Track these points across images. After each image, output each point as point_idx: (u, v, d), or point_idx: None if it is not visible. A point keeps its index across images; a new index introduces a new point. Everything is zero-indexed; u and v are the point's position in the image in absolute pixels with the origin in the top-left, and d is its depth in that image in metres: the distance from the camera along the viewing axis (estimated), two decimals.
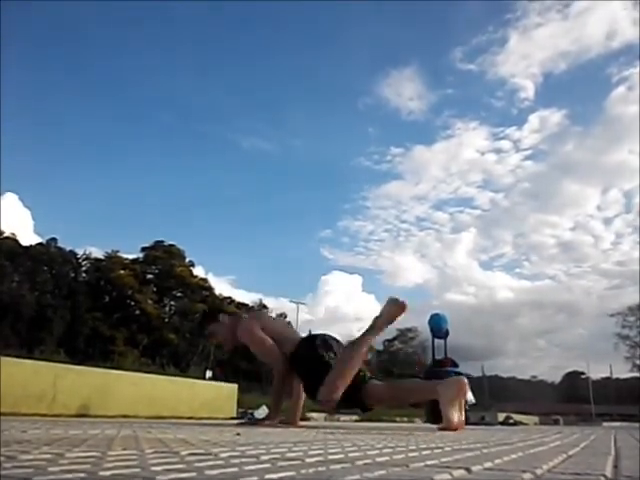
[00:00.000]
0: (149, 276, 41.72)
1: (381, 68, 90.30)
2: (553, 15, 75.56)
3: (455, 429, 3.20)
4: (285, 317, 46.00)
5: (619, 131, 76.23)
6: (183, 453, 1.03)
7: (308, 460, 0.94)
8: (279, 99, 75.75)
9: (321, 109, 79.40)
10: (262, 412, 12.59)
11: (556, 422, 24.74)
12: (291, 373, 3.70)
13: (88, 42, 59.90)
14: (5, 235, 36.85)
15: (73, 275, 39.64)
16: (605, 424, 20.31)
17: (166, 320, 40.19)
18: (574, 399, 53.30)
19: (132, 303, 39.47)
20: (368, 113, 74.85)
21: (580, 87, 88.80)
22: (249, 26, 68.98)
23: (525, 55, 78.31)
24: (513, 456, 1.18)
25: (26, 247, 37.28)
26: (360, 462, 0.93)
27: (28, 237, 40.67)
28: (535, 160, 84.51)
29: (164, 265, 41.09)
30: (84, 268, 41.06)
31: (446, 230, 76.85)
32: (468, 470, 0.85)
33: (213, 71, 70.03)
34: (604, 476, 0.83)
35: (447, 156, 78.63)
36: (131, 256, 41.47)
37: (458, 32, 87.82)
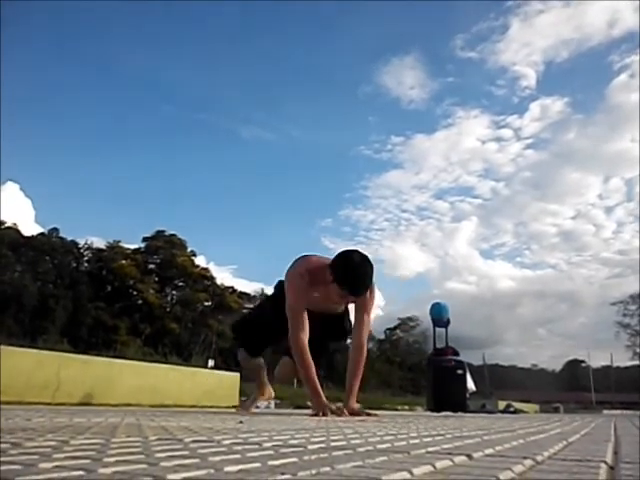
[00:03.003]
0: (151, 266, 41.82)
1: (381, 56, 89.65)
2: (554, 2, 75.08)
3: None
4: None
5: (621, 119, 76.05)
6: (186, 440, 1.04)
7: (310, 447, 0.95)
8: (279, 88, 75.46)
9: (321, 98, 79.05)
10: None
11: (556, 410, 24.85)
12: None
13: (88, 32, 59.59)
14: (7, 225, 36.89)
15: (75, 265, 39.74)
16: (605, 412, 20.42)
17: (168, 310, 40.35)
18: (575, 387, 53.53)
19: (134, 293, 39.60)
20: (368, 102, 74.58)
21: (582, 75, 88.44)
22: (248, 13, 68.54)
23: (526, 43, 77.92)
24: (514, 443, 1.18)
25: (28, 237, 37.34)
26: (362, 449, 0.94)
27: (30, 227, 40.76)
28: (536, 149, 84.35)
29: (166, 255, 41.16)
30: (86, 258, 41.16)
31: (447, 219, 76.85)
32: (469, 456, 0.86)
33: (213, 60, 69.68)
34: (605, 462, 0.84)
35: (448, 145, 78.38)
36: (133, 246, 41.60)
37: (458, 20, 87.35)
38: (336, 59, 79.17)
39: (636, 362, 50.98)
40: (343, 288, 2.98)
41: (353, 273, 2.99)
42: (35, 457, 0.71)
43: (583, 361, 60.09)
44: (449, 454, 0.87)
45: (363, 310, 3.32)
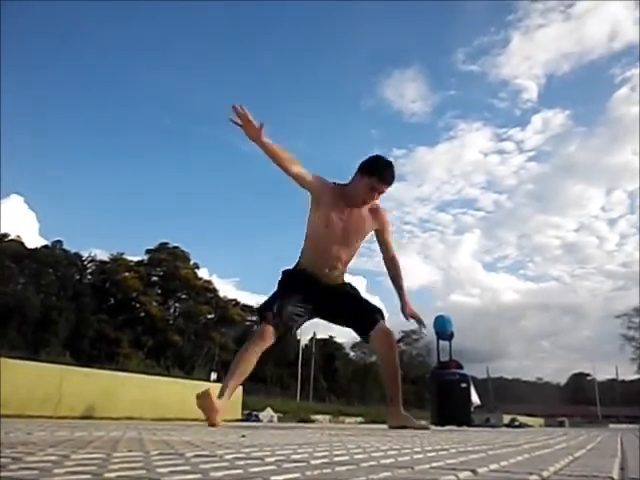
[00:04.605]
0: (154, 278, 41.80)
1: (383, 69, 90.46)
2: (555, 16, 75.71)
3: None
4: None
5: (622, 132, 76.30)
6: (188, 455, 1.03)
7: (313, 462, 0.94)
8: (281, 100, 75.79)
9: (323, 110, 79.43)
10: (267, 414, 12.60)
11: (562, 424, 24.58)
12: None
13: (88, 43, 60.24)
14: (10, 237, 37.01)
15: (78, 277, 39.76)
16: (612, 426, 20.21)
17: (171, 322, 40.27)
18: (580, 401, 53.05)
19: (137, 305, 39.55)
20: (370, 114, 74.90)
21: (583, 88, 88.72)
22: (250, 25, 69.25)
23: (527, 56, 78.38)
24: (519, 458, 1.17)
25: (31, 249, 37.42)
26: (365, 464, 0.93)
27: (33, 239, 40.86)
28: (539, 161, 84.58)
29: (169, 267, 41.16)
30: (89, 270, 41.20)
31: (450, 232, 76.85)
32: (474, 472, 0.85)
33: (214, 73, 70.19)
34: (611, 478, 0.83)
35: (450, 157, 78.74)
36: (136, 258, 41.60)
37: (460, 33, 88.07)
38: (339, 72, 79.67)
39: None
40: (373, 176, 3.21)
41: (384, 161, 3.34)
42: (35, 472, 0.70)
43: (588, 374, 59.66)
44: (453, 469, 0.86)
45: (384, 231, 3.54)
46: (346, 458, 1.05)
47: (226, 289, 51.10)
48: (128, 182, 62.68)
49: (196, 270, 42.69)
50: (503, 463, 1.03)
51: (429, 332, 8.11)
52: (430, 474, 0.80)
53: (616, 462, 1.15)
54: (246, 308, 44.17)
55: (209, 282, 43.30)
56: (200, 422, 3.26)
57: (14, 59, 52.93)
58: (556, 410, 42.13)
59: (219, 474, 0.73)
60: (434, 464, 0.96)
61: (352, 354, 51.58)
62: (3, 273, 32.92)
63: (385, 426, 3.73)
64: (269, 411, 13.18)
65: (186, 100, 69.71)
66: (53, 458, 0.90)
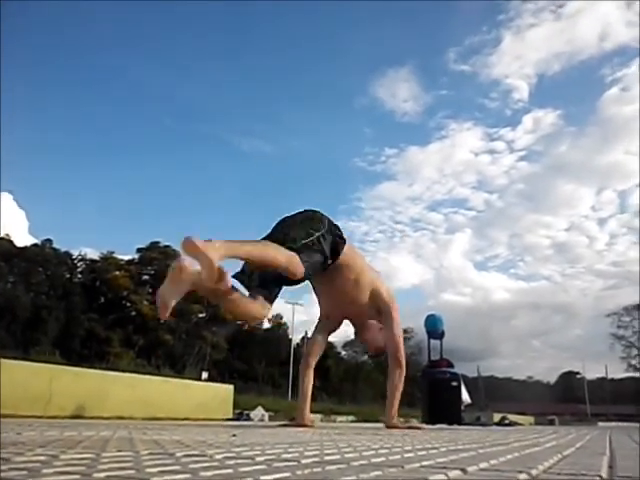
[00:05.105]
0: (145, 277, 41.61)
1: (376, 69, 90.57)
2: (546, 16, 75.79)
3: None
4: (281, 318, 46.13)
5: (613, 132, 76.64)
6: (178, 454, 1.02)
7: (304, 461, 0.94)
8: (275, 100, 75.67)
9: (317, 110, 79.35)
10: (258, 413, 12.60)
11: (552, 422, 24.73)
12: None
13: (86, 42, 59.82)
14: (0, 236, 36.71)
15: (68, 276, 39.50)
16: (601, 424, 20.37)
17: (162, 321, 40.10)
18: (570, 399, 53.44)
19: (127, 304, 39.36)
20: (363, 114, 74.94)
21: (574, 88, 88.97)
22: (246, 26, 69.04)
23: (518, 56, 78.53)
24: (509, 456, 1.18)
25: (21, 248, 37.13)
26: (356, 463, 0.93)
27: (23, 238, 40.58)
28: (529, 161, 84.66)
29: (160, 266, 40.92)
30: (79, 269, 40.95)
31: (441, 231, 77.03)
32: (464, 471, 0.85)
33: (210, 71, 69.98)
34: (600, 476, 0.83)
35: (441, 157, 78.76)
36: (126, 257, 41.41)
37: (451, 33, 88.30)
38: (332, 72, 79.52)
39: (631, 374, 51.09)
40: None
41: None
42: (23, 472, 0.70)
43: (578, 373, 60.06)
44: (444, 468, 0.86)
45: (390, 323, 3.63)
46: (337, 457, 1.05)
47: None
48: (119, 180, 62.35)
49: None
50: (493, 461, 1.04)
51: (420, 331, 8.13)
52: (421, 473, 0.81)
53: (605, 460, 1.16)
54: None
55: None
56: (191, 421, 3.24)
57: (14, 58, 52.43)
58: (546, 408, 42.38)
59: (209, 474, 0.73)
60: (424, 463, 0.97)
61: (344, 353, 51.66)
62: None
63: (377, 425, 3.76)
64: (260, 410, 13.17)
65: (181, 100, 69.40)
66: (42, 458, 0.89)
